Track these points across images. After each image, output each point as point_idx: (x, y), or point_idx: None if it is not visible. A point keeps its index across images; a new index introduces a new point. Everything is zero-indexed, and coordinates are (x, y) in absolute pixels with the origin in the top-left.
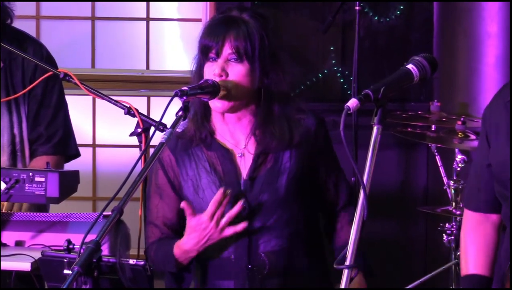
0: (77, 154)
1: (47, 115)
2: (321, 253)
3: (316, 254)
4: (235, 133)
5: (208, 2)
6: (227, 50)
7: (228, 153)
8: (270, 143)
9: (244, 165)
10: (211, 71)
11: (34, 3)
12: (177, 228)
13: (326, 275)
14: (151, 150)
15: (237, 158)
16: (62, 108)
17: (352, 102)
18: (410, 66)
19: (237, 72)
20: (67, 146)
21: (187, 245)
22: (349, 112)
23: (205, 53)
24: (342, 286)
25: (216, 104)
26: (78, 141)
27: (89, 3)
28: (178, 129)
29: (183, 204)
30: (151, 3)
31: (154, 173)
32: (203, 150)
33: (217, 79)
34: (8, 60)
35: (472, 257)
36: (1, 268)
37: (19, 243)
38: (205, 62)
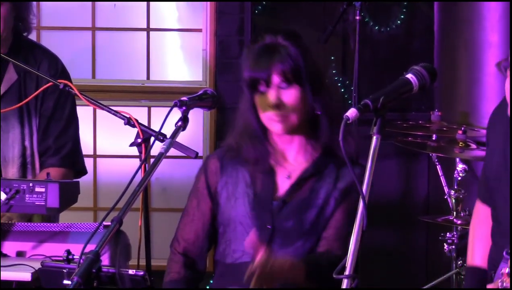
0: (84, 171)
1: (57, 128)
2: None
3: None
4: (286, 153)
5: (208, 13)
6: (275, 79)
7: (272, 172)
8: (327, 163)
9: (283, 186)
10: (265, 103)
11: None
12: (205, 242)
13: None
14: (152, 160)
15: (281, 178)
16: (72, 123)
17: (351, 112)
18: (409, 75)
19: (290, 96)
20: (75, 160)
21: None
22: (348, 121)
23: (253, 86)
24: None
25: (275, 128)
26: None
27: (90, 14)
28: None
29: None
30: (151, 14)
31: (196, 178)
32: (250, 163)
33: (275, 111)
34: (23, 72)
35: (479, 250)
36: (2, 279)
37: (20, 254)
38: (255, 94)
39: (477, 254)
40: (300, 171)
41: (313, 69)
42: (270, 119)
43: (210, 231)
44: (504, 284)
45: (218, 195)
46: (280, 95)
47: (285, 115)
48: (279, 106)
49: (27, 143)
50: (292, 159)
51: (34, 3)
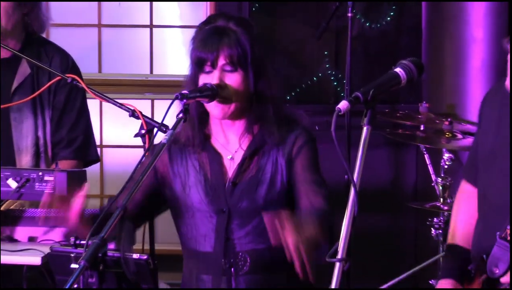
0: (97, 159)
1: (69, 121)
2: None
3: None
4: (228, 136)
5: (208, 11)
6: (221, 61)
7: (217, 155)
8: (264, 140)
9: (231, 169)
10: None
11: None
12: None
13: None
14: None
15: (227, 161)
16: (83, 115)
17: (343, 104)
18: (398, 69)
19: (234, 80)
20: (86, 152)
21: None
22: (340, 113)
23: (199, 65)
24: (334, 278)
25: (216, 112)
26: None
27: (96, 11)
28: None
29: None
30: (154, 11)
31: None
32: (196, 149)
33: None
34: (36, 67)
35: (460, 229)
36: (13, 263)
37: (32, 239)
38: (200, 73)
39: (458, 233)
40: (243, 152)
41: (259, 56)
42: (211, 105)
43: (147, 195)
44: None
45: (172, 183)
46: (223, 77)
47: (225, 103)
48: (221, 87)
49: (40, 133)
50: (235, 141)
51: (44, 3)
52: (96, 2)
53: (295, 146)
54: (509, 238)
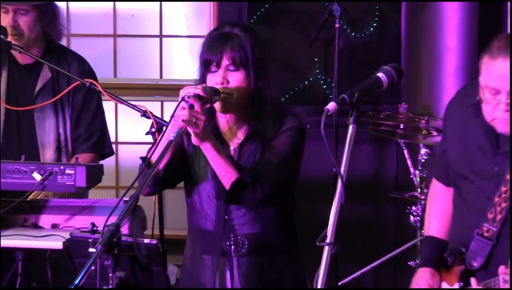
0: (112, 153)
1: (87, 119)
2: (293, 232)
3: (289, 233)
4: (232, 129)
5: (211, 22)
6: (225, 61)
7: (225, 143)
8: (257, 129)
9: (234, 157)
10: (213, 81)
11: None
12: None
13: (297, 252)
14: None
15: (231, 150)
16: (99, 114)
17: (331, 105)
18: (380, 74)
19: (236, 79)
20: (102, 146)
21: None
22: (328, 113)
23: (206, 66)
24: (323, 260)
25: (219, 107)
26: None
27: (111, 23)
28: None
29: None
30: (163, 22)
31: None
32: None
33: (219, 87)
34: (56, 71)
35: (435, 223)
36: (38, 247)
37: (54, 226)
38: (207, 73)
39: (433, 226)
40: (239, 141)
41: (260, 58)
42: (216, 102)
43: (179, 153)
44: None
45: (187, 158)
46: (227, 76)
47: (228, 99)
48: (224, 84)
49: (61, 130)
50: (234, 133)
51: (63, 14)
52: (112, 14)
53: (279, 131)
54: (485, 234)
